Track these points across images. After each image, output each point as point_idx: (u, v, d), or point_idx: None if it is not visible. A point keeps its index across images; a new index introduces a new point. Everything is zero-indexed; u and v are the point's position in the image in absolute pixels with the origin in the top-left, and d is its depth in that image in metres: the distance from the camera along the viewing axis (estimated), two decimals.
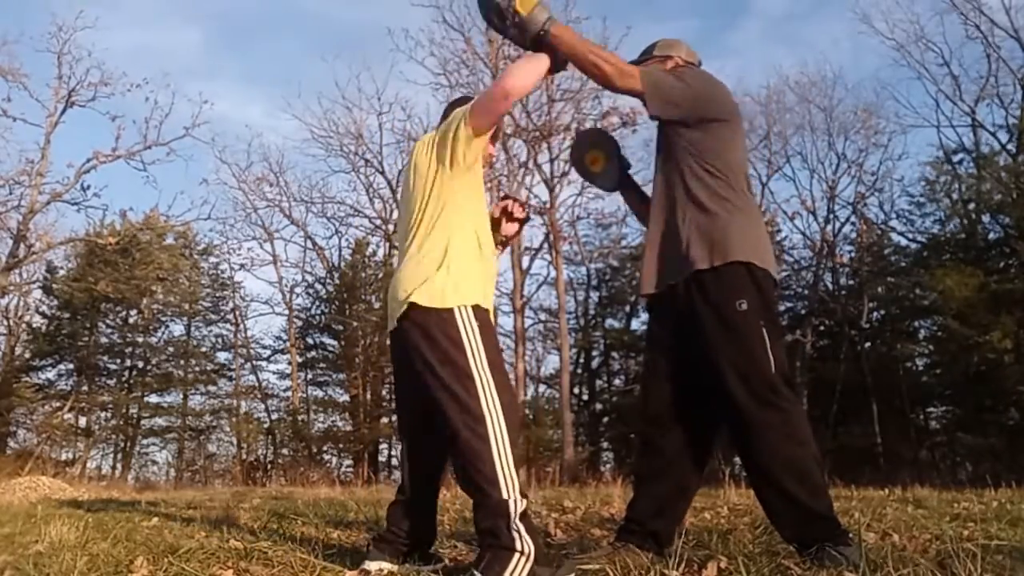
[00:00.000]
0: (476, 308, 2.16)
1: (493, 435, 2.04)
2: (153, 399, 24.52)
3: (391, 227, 23.31)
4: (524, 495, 2.07)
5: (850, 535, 2.16)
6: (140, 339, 24.55)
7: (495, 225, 2.54)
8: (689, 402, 2.28)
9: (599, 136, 2.94)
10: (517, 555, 1.97)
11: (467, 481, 2.07)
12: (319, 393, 25.33)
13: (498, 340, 2.25)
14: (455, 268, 2.17)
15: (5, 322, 24.29)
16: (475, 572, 2.00)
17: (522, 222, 2.62)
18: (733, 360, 2.15)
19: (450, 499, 5.55)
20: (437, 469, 2.45)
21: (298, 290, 25.49)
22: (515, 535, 1.99)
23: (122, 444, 24.25)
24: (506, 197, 2.63)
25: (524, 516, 2.04)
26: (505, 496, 2.01)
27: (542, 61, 2.26)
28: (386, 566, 2.30)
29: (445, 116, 2.46)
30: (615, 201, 31.47)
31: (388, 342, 2.43)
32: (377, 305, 22.99)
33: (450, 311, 2.12)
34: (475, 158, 2.26)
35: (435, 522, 2.49)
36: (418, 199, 2.28)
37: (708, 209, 2.27)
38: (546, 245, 19.61)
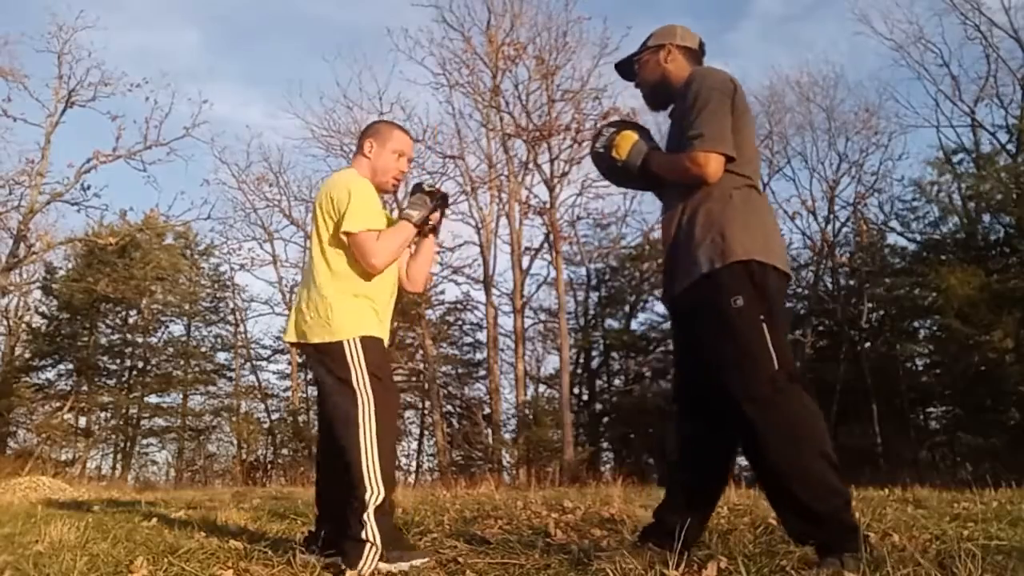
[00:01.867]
0: (363, 338, 2.51)
1: (363, 440, 2.40)
2: (153, 399, 24.52)
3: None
4: (388, 490, 2.39)
5: (858, 533, 2.07)
6: (140, 339, 24.51)
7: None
8: (708, 403, 2.26)
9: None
10: (368, 545, 2.30)
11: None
12: None
13: (384, 355, 2.62)
14: (337, 306, 2.53)
15: (5, 322, 24.30)
16: (341, 563, 2.32)
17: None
18: (732, 358, 2.12)
19: (450, 499, 5.55)
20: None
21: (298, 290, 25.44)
22: (364, 526, 2.30)
23: (122, 444, 24.23)
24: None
25: (380, 509, 2.34)
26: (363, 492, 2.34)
27: (407, 233, 2.63)
28: (312, 559, 2.52)
29: (364, 134, 2.73)
30: (615, 201, 31.51)
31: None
32: None
33: (339, 343, 2.50)
34: None
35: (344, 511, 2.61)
36: (311, 243, 2.64)
37: (713, 208, 2.24)
38: (546, 245, 19.64)
